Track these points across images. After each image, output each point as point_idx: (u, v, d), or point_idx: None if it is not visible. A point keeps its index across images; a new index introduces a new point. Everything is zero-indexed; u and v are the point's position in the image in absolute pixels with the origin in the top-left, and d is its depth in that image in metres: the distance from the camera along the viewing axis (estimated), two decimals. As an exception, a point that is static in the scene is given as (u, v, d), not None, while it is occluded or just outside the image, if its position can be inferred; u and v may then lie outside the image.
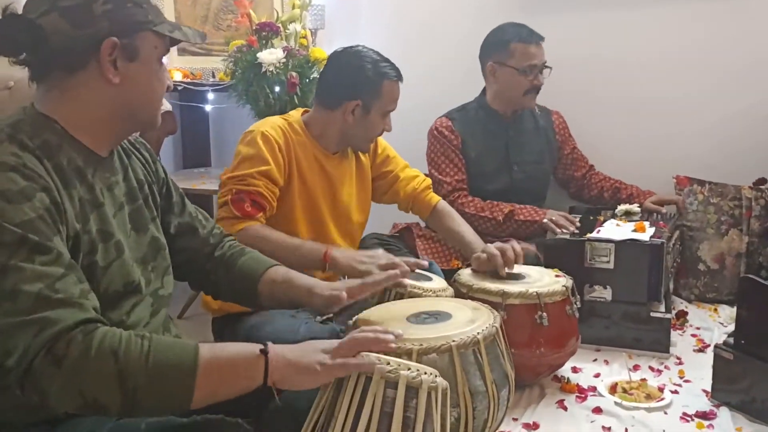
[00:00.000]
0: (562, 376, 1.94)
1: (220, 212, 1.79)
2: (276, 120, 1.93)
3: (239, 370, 1.03)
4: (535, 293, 1.75)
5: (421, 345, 1.31)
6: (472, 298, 1.66)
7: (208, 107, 3.18)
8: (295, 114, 1.99)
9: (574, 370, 2.00)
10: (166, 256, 1.29)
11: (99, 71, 1.11)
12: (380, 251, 1.75)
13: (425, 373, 1.12)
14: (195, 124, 3.38)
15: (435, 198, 2.20)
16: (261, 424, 1.33)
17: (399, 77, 1.94)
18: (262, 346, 1.05)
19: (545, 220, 2.46)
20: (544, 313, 1.74)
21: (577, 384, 1.88)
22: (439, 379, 1.13)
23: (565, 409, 1.76)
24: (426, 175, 2.29)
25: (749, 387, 1.70)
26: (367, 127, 1.95)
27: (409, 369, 1.11)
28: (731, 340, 1.77)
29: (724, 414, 1.71)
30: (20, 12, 1.10)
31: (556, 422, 1.69)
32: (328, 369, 1.07)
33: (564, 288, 1.82)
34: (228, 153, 3.49)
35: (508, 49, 2.54)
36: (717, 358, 1.78)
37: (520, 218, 2.53)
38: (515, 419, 1.69)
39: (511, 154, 2.65)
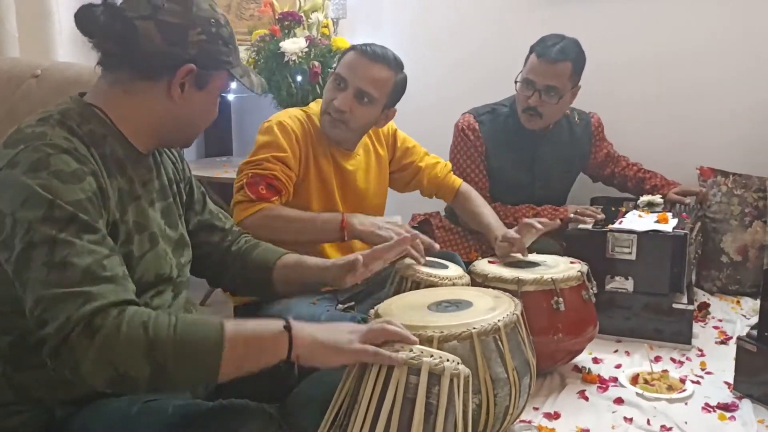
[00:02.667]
0: (583, 366, 1.94)
1: (236, 197, 1.80)
2: (294, 111, 1.93)
3: (264, 344, 1.05)
4: (550, 279, 1.76)
5: (442, 332, 1.32)
6: (488, 287, 1.67)
7: (230, 96, 3.20)
8: (315, 106, 1.98)
9: (595, 360, 2.00)
10: (190, 251, 1.33)
11: (167, 87, 1.15)
12: (398, 218, 1.76)
13: (448, 360, 1.13)
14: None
15: (457, 181, 2.18)
16: (285, 409, 1.35)
17: (368, 54, 1.83)
18: (285, 322, 1.07)
19: (571, 215, 2.41)
20: (560, 299, 1.75)
21: (599, 374, 1.88)
22: (462, 366, 1.14)
23: (587, 399, 1.76)
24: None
25: (772, 379, 1.69)
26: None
27: (431, 356, 1.12)
28: (755, 333, 1.75)
29: (746, 406, 1.70)
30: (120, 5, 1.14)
31: (578, 412, 1.69)
32: (354, 351, 1.09)
33: (579, 273, 1.82)
34: (250, 142, 3.52)
35: (528, 57, 2.40)
36: (740, 350, 1.77)
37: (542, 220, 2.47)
38: (536, 408, 1.70)
39: (536, 172, 2.53)
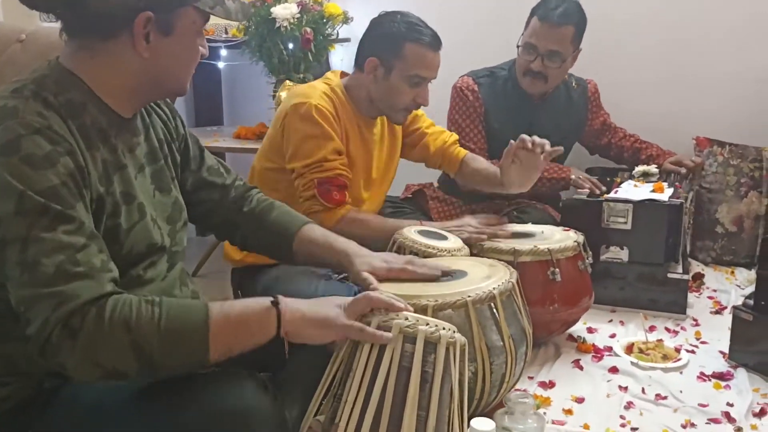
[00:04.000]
0: (578, 336, 1.93)
1: (311, 206, 1.79)
2: (320, 86, 1.88)
3: (251, 324, 1.03)
4: (546, 249, 1.75)
5: (437, 301, 1.31)
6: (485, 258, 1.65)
7: (220, 64, 3.15)
8: (334, 78, 1.94)
9: (590, 330, 1.99)
10: (185, 216, 1.29)
11: (131, 42, 1.08)
12: (467, 219, 1.87)
13: (444, 329, 1.11)
14: (207, 81, 3.34)
15: (462, 151, 2.15)
16: (280, 378, 1.34)
17: (432, 44, 1.83)
18: (272, 299, 1.05)
19: (572, 177, 2.40)
20: (557, 269, 1.74)
21: (593, 344, 1.88)
22: (457, 335, 1.13)
23: (581, 368, 1.76)
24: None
25: None
26: (389, 90, 1.86)
27: (427, 324, 1.10)
28: (751, 302, 1.75)
29: (741, 375, 1.70)
30: None
31: (573, 381, 1.68)
32: (342, 327, 1.07)
33: (575, 243, 1.81)
34: (241, 110, 3.48)
35: (530, 21, 2.37)
36: (736, 319, 1.76)
37: (545, 175, 2.46)
38: (531, 378, 1.69)
39: (534, 134, 2.52)
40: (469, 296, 1.34)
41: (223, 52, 3.06)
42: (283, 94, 2.62)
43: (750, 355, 1.74)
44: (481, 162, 2.13)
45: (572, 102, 2.58)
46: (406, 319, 1.11)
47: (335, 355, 1.14)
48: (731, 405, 1.56)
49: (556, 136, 2.54)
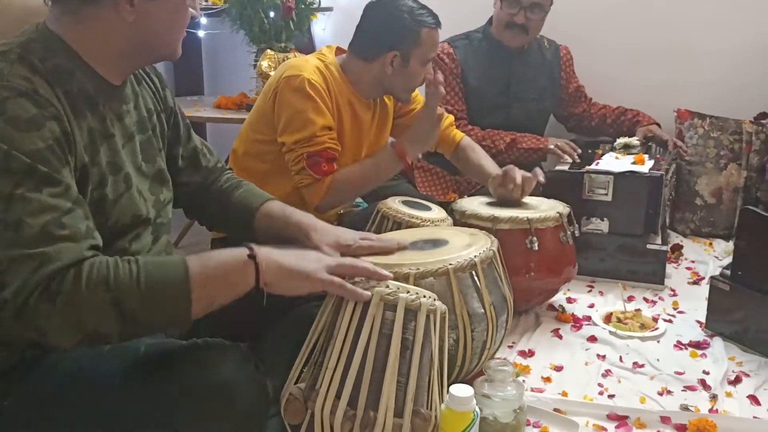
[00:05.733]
0: (558, 305, 1.95)
1: (302, 179, 1.80)
2: (313, 61, 1.86)
3: (230, 276, 1.03)
4: (525, 218, 1.76)
5: (418, 269, 1.31)
6: (465, 225, 1.66)
7: (200, 33, 3.09)
8: (329, 54, 1.92)
9: (570, 300, 2.01)
10: (170, 188, 1.27)
11: (114, 6, 1.05)
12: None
13: (424, 296, 1.11)
14: (187, 50, 3.21)
15: (459, 135, 2.16)
16: (260, 348, 1.34)
17: (437, 24, 1.87)
18: (249, 251, 1.04)
19: (551, 146, 2.43)
20: (534, 238, 1.75)
21: (573, 314, 1.90)
22: (438, 303, 1.13)
23: (560, 337, 1.78)
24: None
25: (744, 318, 1.72)
26: (407, 77, 1.89)
27: (408, 292, 1.11)
28: (728, 272, 1.77)
29: (717, 344, 1.73)
30: None
31: (552, 350, 1.70)
32: (321, 280, 1.07)
33: (557, 215, 1.82)
34: (222, 80, 3.43)
35: None
36: (713, 289, 1.78)
37: (522, 146, 2.49)
38: (510, 346, 1.71)
39: (511, 90, 2.57)
40: (450, 264, 1.34)
41: (203, 20, 3.00)
42: (264, 64, 2.59)
43: (726, 324, 1.76)
44: (477, 153, 2.12)
45: (545, 60, 2.64)
46: (387, 286, 1.11)
47: (316, 323, 1.15)
48: (707, 373, 1.58)
49: (533, 92, 2.60)
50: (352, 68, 1.89)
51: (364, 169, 1.85)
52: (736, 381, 1.55)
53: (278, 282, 1.05)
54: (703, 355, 1.68)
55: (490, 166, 2.03)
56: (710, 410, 1.43)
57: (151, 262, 0.99)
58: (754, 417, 1.41)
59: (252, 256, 1.03)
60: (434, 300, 1.13)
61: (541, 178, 1.90)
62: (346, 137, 1.90)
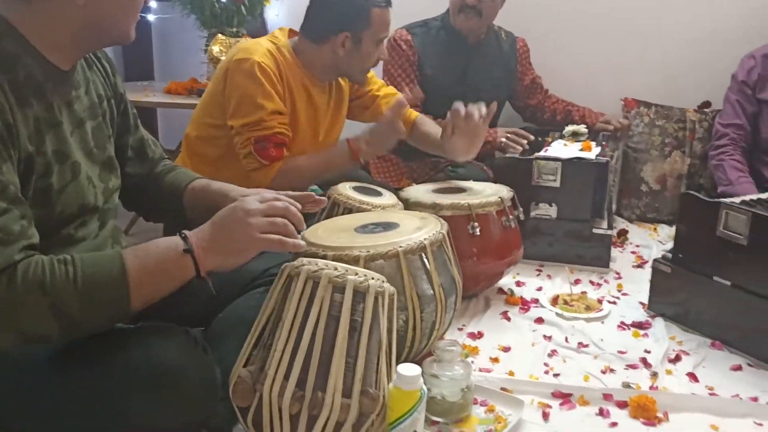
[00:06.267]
0: (507, 289, 1.99)
1: (249, 163, 1.79)
2: (265, 44, 1.84)
3: (169, 271, 1.03)
4: (466, 204, 1.78)
5: (369, 252, 1.32)
6: (409, 211, 1.69)
7: (150, 17, 3.04)
8: (282, 37, 1.90)
9: (519, 284, 2.05)
10: (118, 176, 1.25)
11: None
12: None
13: (372, 278, 1.13)
14: (137, 34, 3.22)
15: (413, 114, 2.16)
16: (211, 332, 1.34)
17: (388, 3, 1.86)
18: (184, 245, 1.04)
19: (501, 140, 2.45)
20: (476, 224, 1.78)
21: (521, 297, 1.93)
22: (386, 284, 1.15)
23: (509, 319, 1.81)
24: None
25: (684, 299, 1.77)
26: (360, 58, 1.89)
27: (356, 274, 1.12)
28: (670, 255, 1.83)
29: (658, 324, 1.79)
30: None
31: (500, 331, 1.73)
32: (258, 244, 1.08)
33: (499, 199, 1.84)
34: (172, 65, 3.38)
35: None
36: (655, 271, 1.84)
37: None
38: (460, 329, 1.74)
39: (467, 81, 2.58)
40: (400, 246, 1.36)
41: (153, 5, 2.96)
42: (215, 49, 2.56)
43: (667, 305, 1.82)
44: (430, 126, 2.14)
45: (502, 52, 2.66)
46: (336, 269, 1.12)
47: (264, 306, 1.15)
48: (648, 352, 1.64)
49: (488, 83, 2.61)
50: (304, 51, 1.88)
51: (315, 162, 1.85)
52: (676, 359, 1.61)
53: (218, 265, 1.06)
54: (645, 335, 1.74)
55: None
56: (651, 387, 1.47)
57: (87, 261, 0.98)
58: (692, 393, 1.46)
59: (188, 250, 1.03)
60: (383, 282, 1.14)
61: (492, 113, 1.91)
62: (301, 121, 1.89)
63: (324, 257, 1.29)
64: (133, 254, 1.01)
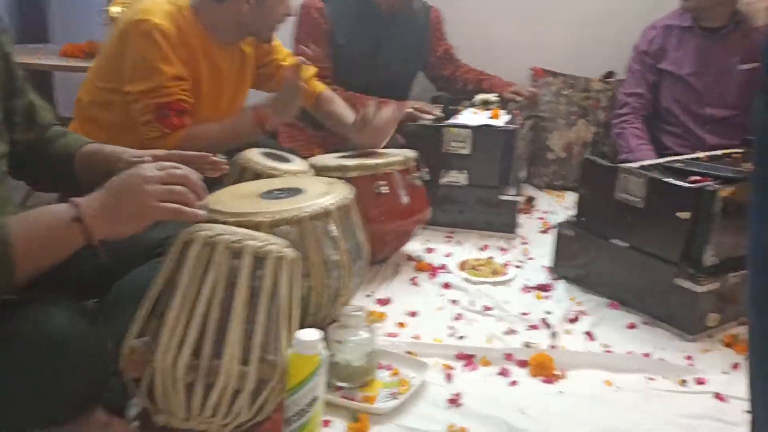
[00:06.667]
0: (417, 255, 2.00)
1: (149, 132, 1.70)
2: (165, 5, 1.74)
3: (57, 240, 0.99)
4: (373, 164, 1.80)
5: (273, 218, 1.30)
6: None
7: (45, -25, 2.87)
8: None
9: (429, 250, 2.07)
10: (7, 141, 1.18)
11: None
12: None
13: (272, 243, 1.10)
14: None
15: (319, 87, 2.12)
16: (106, 304, 1.29)
17: None
18: (74, 213, 0.99)
19: (409, 109, 2.44)
20: (383, 182, 1.79)
21: (430, 263, 1.95)
22: (287, 249, 1.12)
23: (417, 285, 1.83)
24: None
25: (586, 262, 1.83)
26: (265, 14, 1.81)
27: (255, 239, 1.09)
28: (573, 219, 1.88)
29: (561, 286, 1.84)
30: None
31: (408, 297, 1.75)
32: (153, 212, 1.03)
33: (404, 158, 1.86)
34: (69, 27, 3.21)
35: None
36: (559, 235, 1.89)
37: None
38: (369, 295, 1.74)
39: (380, 52, 2.54)
40: (305, 212, 1.34)
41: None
42: (114, 9, 2.44)
43: (570, 268, 1.88)
44: (336, 106, 2.11)
45: (416, 23, 2.63)
46: (234, 234, 1.09)
47: (160, 272, 1.11)
48: (549, 313, 1.69)
49: (402, 54, 2.59)
50: (206, 11, 1.80)
51: (218, 130, 1.78)
52: (575, 319, 1.66)
53: (110, 233, 1.01)
54: (548, 298, 1.79)
55: (350, 116, 2.03)
56: (550, 346, 1.52)
57: None
58: (589, 351, 1.52)
59: (78, 218, 0.98)
60: (284, 247, 1.12)
61: (401, 115, 1.93)
62: (204, 87, 1.82)
63: (224, 224, 1.25)
64: (18, 223, 0.96)
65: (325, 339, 1.31)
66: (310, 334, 1.07)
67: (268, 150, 1.79)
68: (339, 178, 1.69)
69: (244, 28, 1.84)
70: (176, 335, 1.03)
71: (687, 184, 1.60)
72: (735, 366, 1.47)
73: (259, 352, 1.05)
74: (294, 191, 1.45)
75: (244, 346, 1.04)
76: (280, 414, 1.11)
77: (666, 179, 1.63)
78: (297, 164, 1.75)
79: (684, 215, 1.58)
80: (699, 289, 1.56)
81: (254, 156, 1.70)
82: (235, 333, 1.04)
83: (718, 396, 1.37)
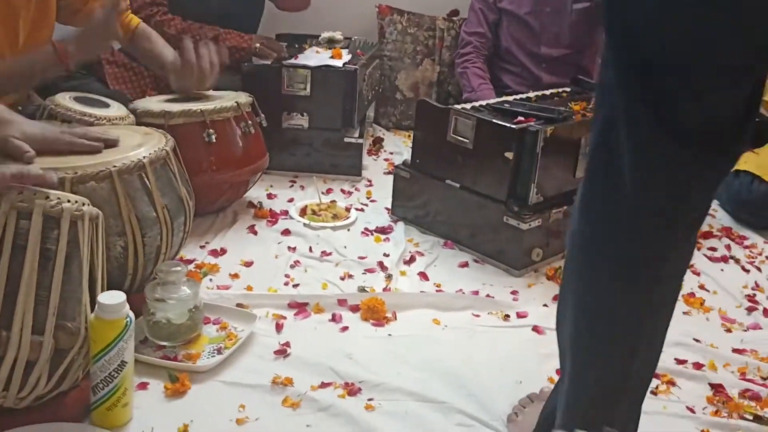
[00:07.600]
0: (258, 202, 1.95)
1: None
2: None
3: None
4: (199, 110, 1.69)
5: (76, 173, 1.20)
6: (141, 125, 1.56)
7: None
8: None
9: (270, 196, 2.02)
10: None
11: None
12: None
13: (68, 201, 1.02)
14: None
15: (135, 20, 1.95)
16: None
17: None
18: None
19: (256, 45, 2.33)
20: (212, 131, 1.70)
21: (270, 209, 1.91)
22: (87, 207, 1.04)
23: (255, 233, 1.78)
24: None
25: (423, 203, 1.86)
26: None
27: (47, 198, 1.00)
28: (409, 160, 1.89)
29: (399, 228, 1.86)
30: None
31: (244, 246, 1.70)
32: None
33: (235, 104, 1.77)
34: None
35: None
36: (396, 177, 1.90)
37: (226, 44, 2.36)
38: (203, 246, 1.68)
39: None
40: (114, 166, 1.25)
41: None
42: None
43: (408, 209, 1.90)
44: (154, 44, 1.94)
45: None
46: (20, 193, 0.99)
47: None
48: (387, 255, 1.70)
49: None
50: None
51: (15, 66, 1.60)
52: (411, 260, 1.69)
53: None
54: (387, 240, 1.80)
55: (170, 55, 1.90)
56: (384, 289, 1.54)
57: None
58: (421, 291, 1.55)
59: None
60: (82, 205, 1.04)
61: (226, 59, 1.82)
62: None
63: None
64: None
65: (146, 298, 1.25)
66: (112, 297, 1.01)
67: (81, 94, 1.64)
68: (162, 125, 1.60)
69: None
70: (-45, 308, 0.94)
71: (511, 125, 1.64)
72: (555, 298, 1.55)
73: (54, 319, 0.97)
74: (105, 143, 1.35)
75: (38, 314, 0.97)
76: (88, 382, 1.06)
77: (493, 120, 1.67)
78: (115, 110, 1.61)
79: (509, 155, 1.62)
80: (524, 226, 1.63)
81: (64, 101, 1.54)
82: (25, 301, 0.96)
83: (536, 329, 1.44)
